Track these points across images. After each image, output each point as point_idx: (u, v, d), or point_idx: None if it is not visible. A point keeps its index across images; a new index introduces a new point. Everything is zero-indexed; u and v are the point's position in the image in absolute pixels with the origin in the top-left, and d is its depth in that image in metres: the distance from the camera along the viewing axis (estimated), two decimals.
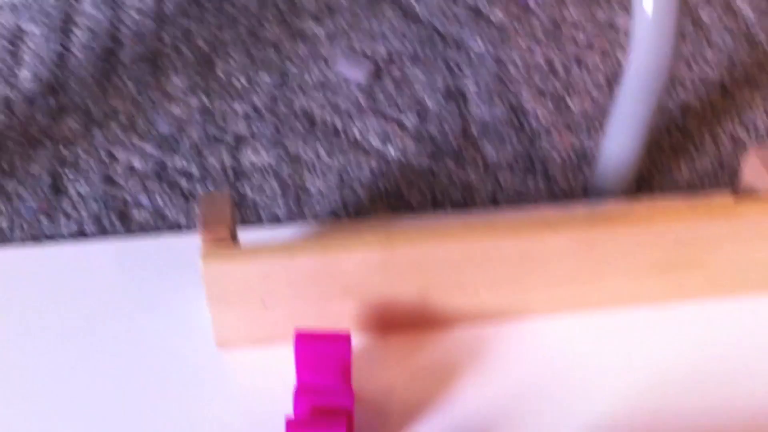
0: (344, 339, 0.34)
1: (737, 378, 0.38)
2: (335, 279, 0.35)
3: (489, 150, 0.48)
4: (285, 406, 0.35)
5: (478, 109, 0.50)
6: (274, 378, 0.37)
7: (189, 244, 0.42)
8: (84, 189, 0.45)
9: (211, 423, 0.36)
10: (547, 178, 0.47)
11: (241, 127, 0.49)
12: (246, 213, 0.45)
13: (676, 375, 0.38)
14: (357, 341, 0.38)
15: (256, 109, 0.50)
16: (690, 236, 0.38)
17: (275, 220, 0.45)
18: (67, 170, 0.46)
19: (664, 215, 0.37)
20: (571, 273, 0.38)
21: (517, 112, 0.51)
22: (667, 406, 0.37)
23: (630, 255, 0.38)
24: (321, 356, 0.34)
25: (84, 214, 0.44)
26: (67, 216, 0.44)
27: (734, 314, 0.41)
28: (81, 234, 0.43)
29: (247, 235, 0.37)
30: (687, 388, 0.38)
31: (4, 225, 0.43)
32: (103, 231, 0.43)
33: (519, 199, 0.46)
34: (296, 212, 0.45)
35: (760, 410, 0.37)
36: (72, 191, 0.45)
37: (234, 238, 0.36)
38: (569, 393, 0.38)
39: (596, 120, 0.50)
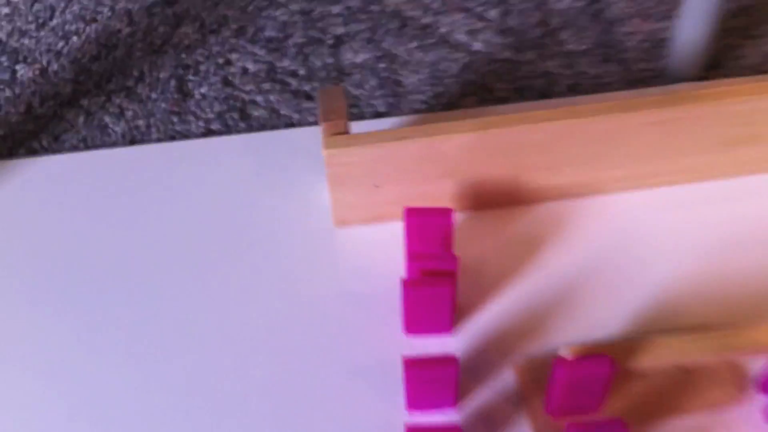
0: (447, 212, 0.39)
1: None
2: (437, 162, 0.41)
3: (568, 40, 0.52)
4: (397, 273, 0.42)
5: (556, 0, 0.54)
6: (386, 250, 0.43)
7: (304, 136, 0.48)
8: (206, 91, 0.51)
9: (335, 289, 0.42)
10: (624, 65, 0.51)
11: (339, 29, 0.54)
12: (353, 109, 0.50)
13: (740, 242, 0.43)
14: (456, 217, 0.44)
15: (351, 10, 0.55)
16: (754, 112, 0.42)
17: (375, 114, 0.50)
18: (189, 74, 0.52)
19: (730, 93, 0.41)
20: (646, 151, 0.43)
21: (594, 1, 0.54)
22: (732, 269, 0.42)
23: (699, 132, 0.42)
24: (427, 227, 0.40)
25: (209, 113, 0.50)
26: (195, 116, 0.50)
27: None
28: (209, 132, 0.49)
29: (354, 128, 0.42)
30: (749, 252, 0.43)
31: (142, 124, 0.50)
32: (227, 128, 0.49)
33: (597, 85, 0.50)
34: (393, 105, 0.50)
35: None
36: (197, 93, 0.51)
37: (346, 127, 0.41)
38: (642, 261, 0.43)
39: (671, 6, 0.53)
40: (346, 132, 0.41)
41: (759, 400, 0.38)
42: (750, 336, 0.38)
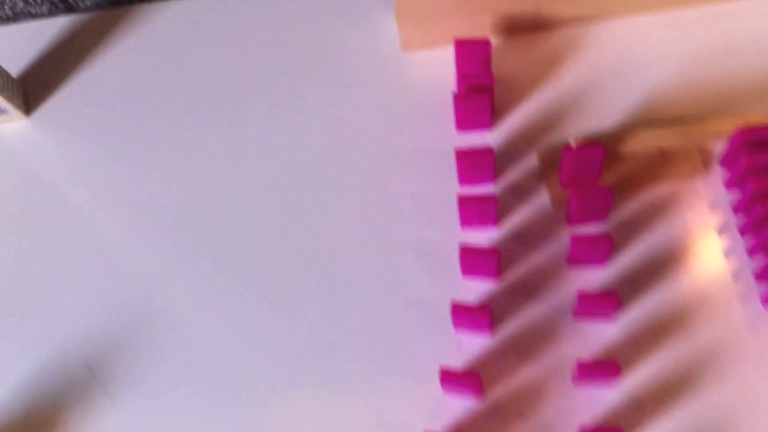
0: (486, 42, 0.53)
1: None
2: (476, 1, 0.54)
3: None
4: (449, 88, 0.56)
5: None
6: (444, 70, 0.57)
7: None
8: None
9: (399, 102, 0.56)
10: None
11: None
12: None
13: (717, 55, 0.56)
14: (493, 43, 0.57)
15: None
16: None
17: None
18: None
19: None
20: None
21: None
22: (707, 75, 0.55)
23: None
24: (472, 53, 0.53)
25: None
26: None
27: None
28: None
29: None
30: (724, 63, 0.55)
31: None
32: None
33: None
34: None
35: None
36: None
37: None
38: (639, 71, 0.56)
39: None
40: None
41: (719, 172, 0.52)
42: (713, 126, 0.51)
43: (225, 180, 0.55)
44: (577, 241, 0.47)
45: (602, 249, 0.48)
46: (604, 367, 0.45)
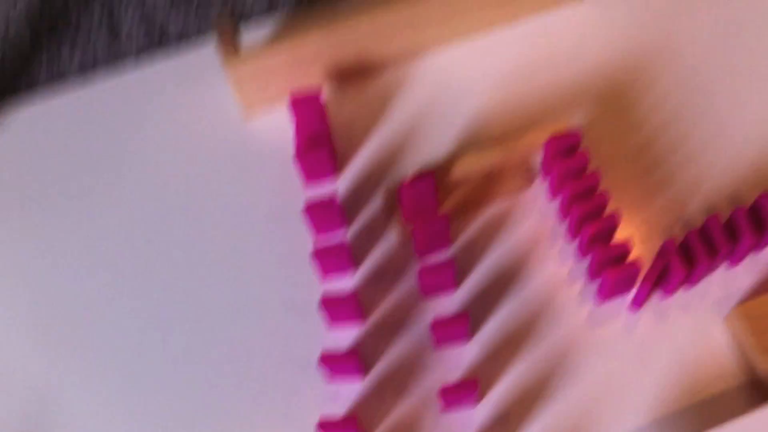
0: (317, 93, 0.56)
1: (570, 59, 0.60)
2: (303, 54, 0.57)
3: None
4: (291, 142, 0.59)
5: None
6: (285, 126, 0.60)
7: (205, 55, 0.63)
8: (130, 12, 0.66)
9: (246, 165, 0.59)
10: None
11: None
12: (242, 16, 0.65)
13: (528, 72, 0.60)
14: (327, 91, 0.61)
15: None
16: None
17: (260, 13, 0.65)
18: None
19: None
20: (449, 14, 0.59)
21: None
22: (522, 92, 0.60)
23: None
24: (305, 106, 0.56)
25: (136, 33, 0.65)
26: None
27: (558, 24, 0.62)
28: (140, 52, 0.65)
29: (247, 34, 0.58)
30: (536, 78, 0.60)
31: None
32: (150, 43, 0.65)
33: None
34: (272, 7, 0.65)
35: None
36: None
37: (238, 47, 0.57)
38: (461, 97, 0.60)
39: None
40: (237, 48, 0.57)
41: (541, 182, 0.57)
42: (528, 139, 0.56)
43: (89, 264, 0.57)
44: (422, 271, 0.51)
45: (447, 275, 0.52)
46: (464, 388, 0.49)
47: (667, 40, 0.61)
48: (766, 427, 0.47)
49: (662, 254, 0.51)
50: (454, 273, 0.52)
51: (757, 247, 0.53)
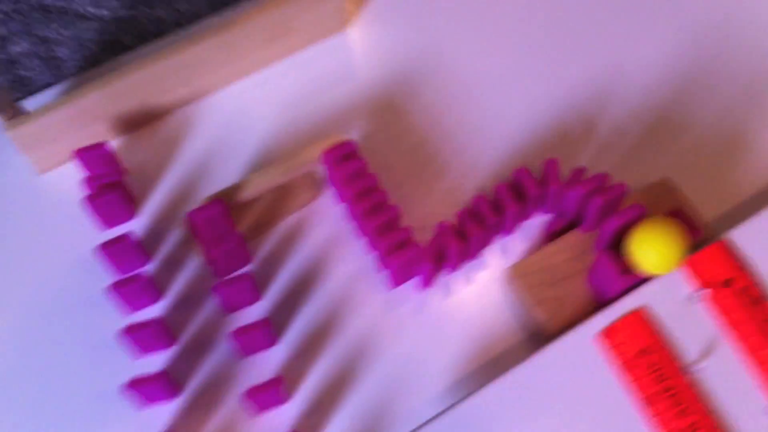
0: (101, 145, 0.59)
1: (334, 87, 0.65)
2: (85, 110, 0.60)
3: None
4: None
5: None
6: (70, 178, 0.62)
7: None
8: None
9: (42, 223, 0.61)
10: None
11: (1, 30, 0.70)
12: (29, 87, 0.68)
13: (305, 101, 0.65)
14: (118, 140, 0.64)
15: (5, 13, 0.71)
16: (279, 16, 0.63)
17: (47, 84, 0.68)
18: None
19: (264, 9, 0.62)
20: (225, 57, 0.63)
21: None
22: (300, 120, 0.64)
23: (254, 37, 0.63)
24: (94, 159, 0.59)
25: None
26: None
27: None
28: None
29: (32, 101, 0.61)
30: (316, 106, 0.65)
31: None
32: None
33: (193, 20, 0.70)
34: (57, 75, 0.68)
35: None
36: None
37: (18, 111, 0.59)
38: (248, 132, 0.64)
39: None
40: (18, 113, 0.59)
41: (328, 193, 0.61)
42: (306, 154, 0.60)
43: None
44: (218, 289, 0.54)
45: (245, 288, 0.55)
46: (268, 387, 0.51)
47: (428, 53, 0.67)
48: (542, 369, 0.52)
49: (438, 234, 0.56)
50: (253, 285, 0.55)
51: (523, 215, 0.59)
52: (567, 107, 0.65)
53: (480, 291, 0.58)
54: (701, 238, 0.56)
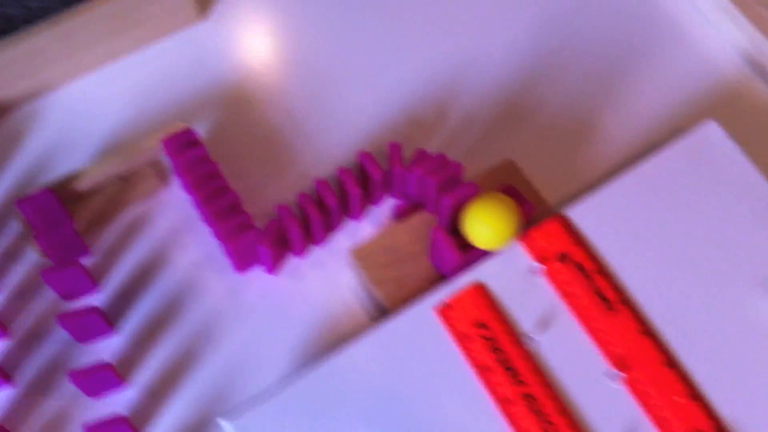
0: None
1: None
2: None
3: None
4: None
5: None
6: None
7: None
8: None
9: None
10: None
11: None
12: None
13: (177, 90, 0.65)
14: None
15: None
16: (121, 7, 0.62)
17: None
18: None
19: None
20: (62, 51, 0.62)
21: None
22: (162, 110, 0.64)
23: (93, 26, 0.62)
24: None
25: None
26: None
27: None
28: None
29: None
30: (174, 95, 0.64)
31: None
32: None
33: (44, 15, 0.69)
34: None
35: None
36: None
37: None
38: (101, 124, 0.63)
39: None
40: None
41: (175, 183, 0.60)
42: (146, 143, 0.59)
43: None
44: (47, 276, 0.53)
45: (76, 275, 0.54)
46: (96, 372, 0.50)
47: (280, 44, 0.67)
48: (382, 342, 0.52)
49: (278, 218, 0.56)
50: (84, 273, 0.54)
51: (368, 199, 0.59)
52: (418, 95, 0.65)
53: (327, 275, 0.58)
54: (536, 214, 0.57)
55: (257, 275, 0.58)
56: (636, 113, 0.65)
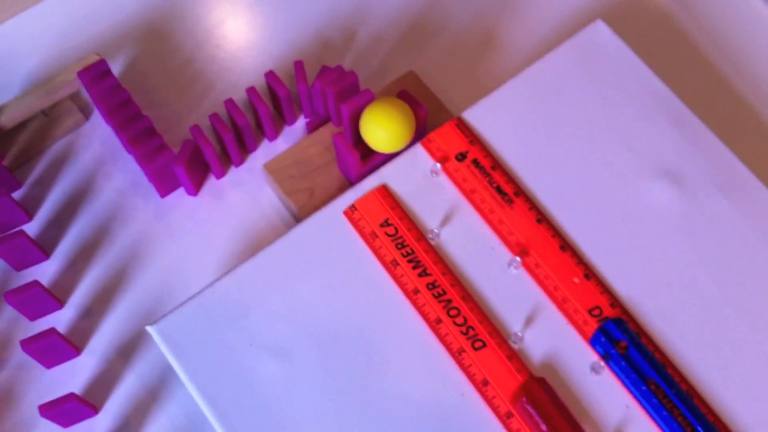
0: None
1: None
2: None
3: None
4: None
5: None
6: None
7: None
8: None
9: None
10: None
11: None
12: None
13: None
14: None
15: None
16: None
17: None
18: None
19: None
20: None
21: None
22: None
23: None
24: None
25: None
26: None
27: None
28: None
29: None
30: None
31: None
32: None
33: None
34: None
35: None
36: None
37: None
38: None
39: None
40: None
41: (97, 114, 0.63)
42: (63, 76, 0.62)
43: None
44: None
45: (11, 209, 0.57)
46: (31, 292, 0.54)
47: None
48: (297, 243, 0.55)
49: (192, 139, 0.59)
50: (17, 206, 0.57)
51: (283, 117, 0.62)
52: (327, 17, 0.68)
53: (247, 192, 0.62)
54: (437, 120, 0.61)
55: (180, 198, 0.61)
56: (537, 24, 0.68)
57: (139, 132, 0.58)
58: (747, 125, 0.63)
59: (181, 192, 0.61)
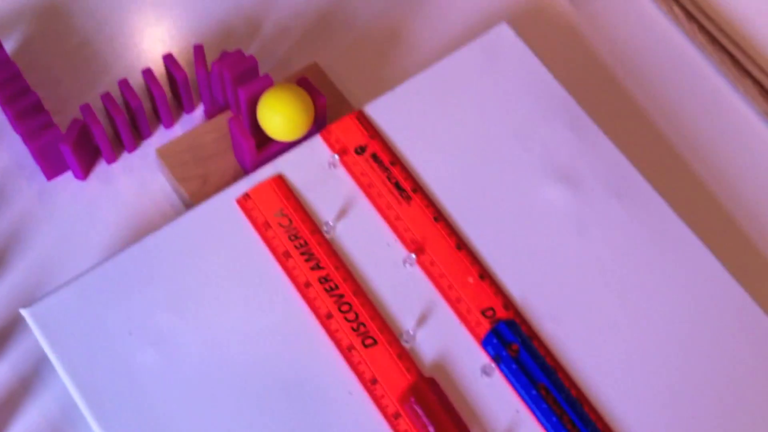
0: None
1: None
2: None
3: None
4: None
5: None
6: None
7: None
8: None
9: None
10: None
11: None
12: None
13: None
14: None
15: None
16: None
17: None
18: None
19: None
20: None
21: None
22: None
23: None
24: None
25: None
26: None
27: None
28: None
29: None
30: None
31: None
32: None
33: None
34: None
35: None
36: None
37: None
38: None
39: None
40: None
41: None
42: None
43: None
44: None
45: None
46: None
47: None
48: (186, 231, 0.54)
49: (81, 118, 0.57)
50: None
51: (180, 104, 0.61)
52: (232, 5, 0.67)
53: (138, 179, 0.59)
54: (338, 113, 0.60)
55: (67, 182, 0.59)
56: (442, 24, 0.68)
57: (25, 107, 0.56)
58: (640, 132, 0.64)
59: (69, 176, 0.59)
